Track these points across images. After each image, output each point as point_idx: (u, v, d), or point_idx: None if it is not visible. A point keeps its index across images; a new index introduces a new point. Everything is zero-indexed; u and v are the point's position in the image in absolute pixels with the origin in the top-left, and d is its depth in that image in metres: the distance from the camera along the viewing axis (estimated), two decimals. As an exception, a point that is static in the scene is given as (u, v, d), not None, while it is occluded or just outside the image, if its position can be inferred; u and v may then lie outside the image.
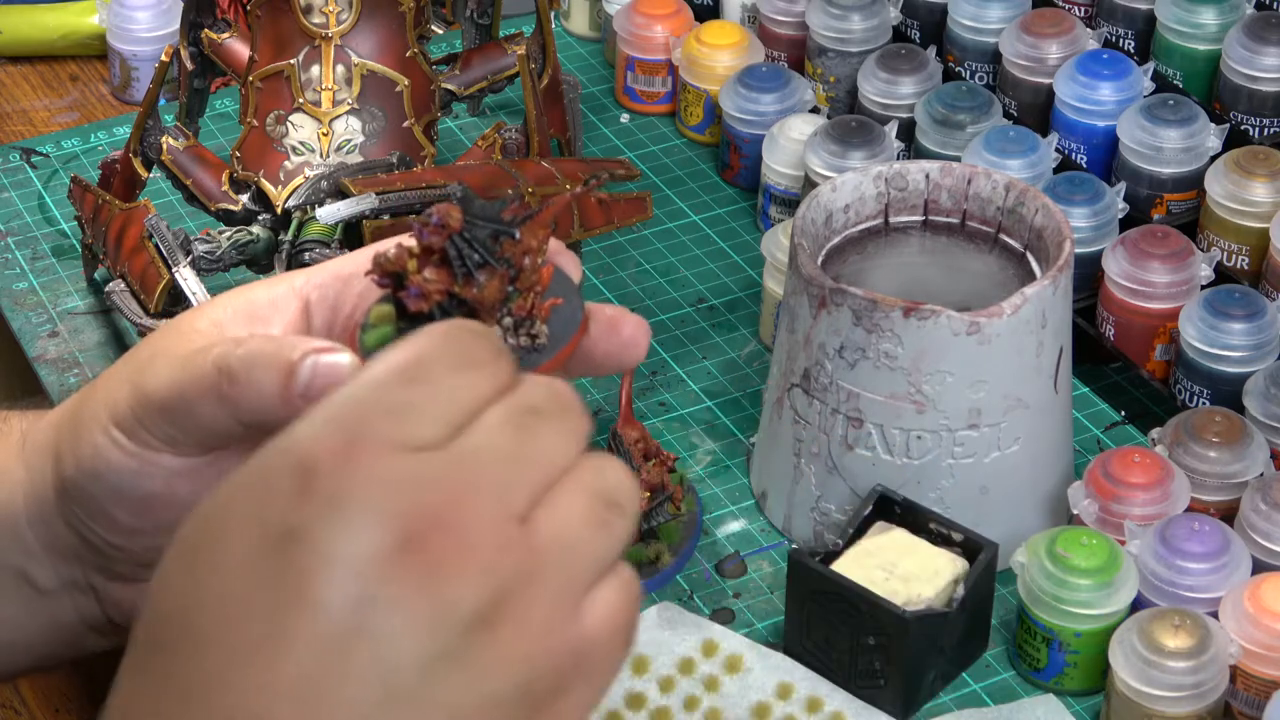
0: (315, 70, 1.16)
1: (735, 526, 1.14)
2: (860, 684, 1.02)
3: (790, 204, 1.32)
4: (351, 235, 1.12)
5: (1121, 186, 1.27)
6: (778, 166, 1.33)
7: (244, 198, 1.16)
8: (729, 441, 1.19)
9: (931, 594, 1.01)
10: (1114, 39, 1.41)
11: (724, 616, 1.08)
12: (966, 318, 1.03)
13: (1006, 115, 1.34)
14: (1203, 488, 1.08)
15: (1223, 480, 1.08)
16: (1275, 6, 1.42)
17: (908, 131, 1.34)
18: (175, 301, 1.13)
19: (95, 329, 1.27)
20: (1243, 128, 1.33)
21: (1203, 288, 1.19)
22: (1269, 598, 0.99)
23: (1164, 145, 1.28)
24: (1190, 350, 1.16)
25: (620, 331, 0.67)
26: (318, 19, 1.16)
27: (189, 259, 1.14)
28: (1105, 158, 1.32)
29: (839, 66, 1.41)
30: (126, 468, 0.71)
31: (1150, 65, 1.35)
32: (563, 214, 1.17)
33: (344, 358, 0.66)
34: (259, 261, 1.15)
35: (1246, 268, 1.25)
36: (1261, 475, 1.08)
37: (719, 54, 1.42)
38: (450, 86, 1.21)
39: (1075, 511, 1.07)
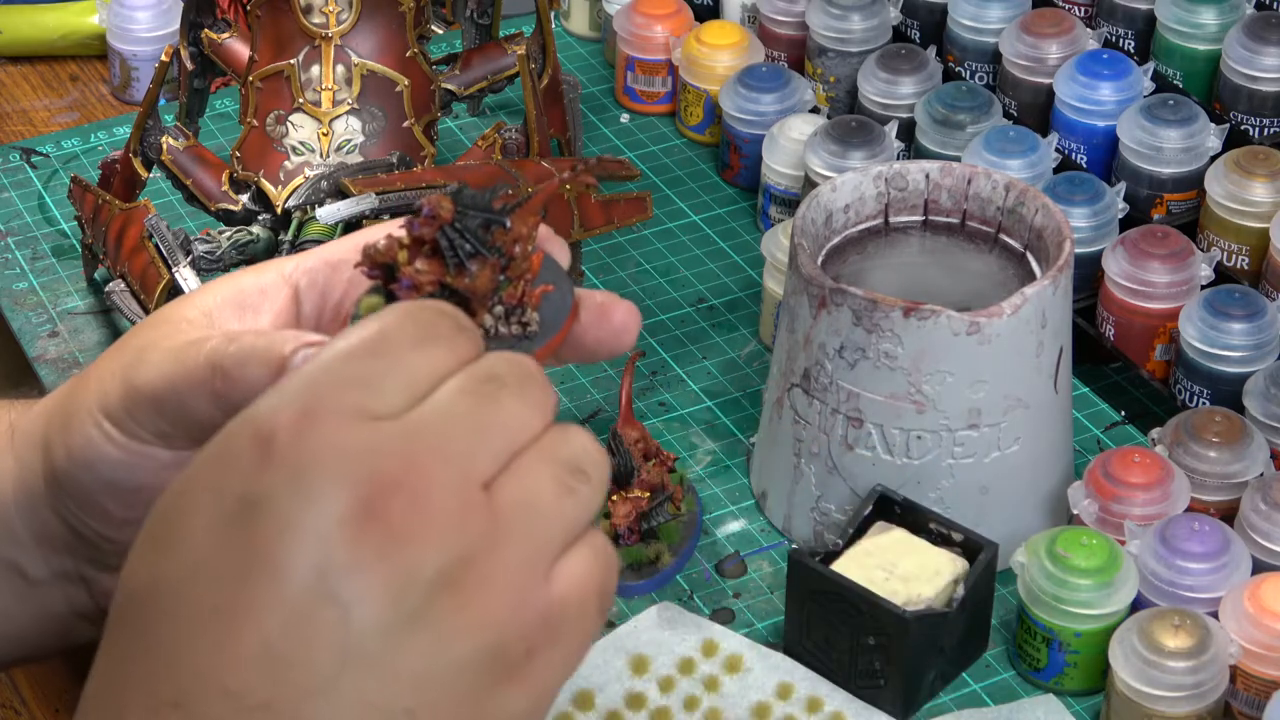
0: (315, 70, 1.16)
1: (735, 526, 1.14)
2: (860, 684, 1.02)
3: (790, 204, 1.32)
4: (351, 235, 1.12)
5: (1121, 186, 1.27)
6: (778, 166, 1.33)
7: (244, 198, 1.16)
8: (729, 441, 1.19)
9: (931, 594, 1.01)
10: (1114, 39, 1.41)
11: (724, 616, 1.08)
12: (966, 318, 1.03)
13: (1006, 115, 1.34)
14: (1203, 488, 1.08)
15: (1223, 480, 1.08)
16: (1275, 6, 1.42)
17: (908, 131, 1.34)
18: (175, 301, 1.13)
19: (95, 329, 1.27)
20: (1243, 128, 1.33)
21: (1203, 288, 1.19)
22: (1269, 598, 0.99)
23: (1164, 145, 1.28)
24: (1190, 350, 1.16)
25: (611, 318, 0.67)
26: (318, 19, 1.16)
27: (189, 259, 1.14)
28: (1105, 158, 1.32)
29: (839, 66, 1.41)
30: (117, 459, 0.71)
31: (1150, 65, 1.35)
32: (563, 214, 1.17)
33: None
34: (259, 261, 1.15)
35: (1246, 268, 1.25)
36: (1261, 475, 1.08)
37: (719, 54, 1.42)
38: (450, 86, 1.21)
39: (1075, 511, 1.07)
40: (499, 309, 0.63)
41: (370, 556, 0.54)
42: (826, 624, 1.02)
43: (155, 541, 0.57)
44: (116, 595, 0.57)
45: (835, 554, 1.03)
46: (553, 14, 1.30)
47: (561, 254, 0.67)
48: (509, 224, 0.62)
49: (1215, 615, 1.00)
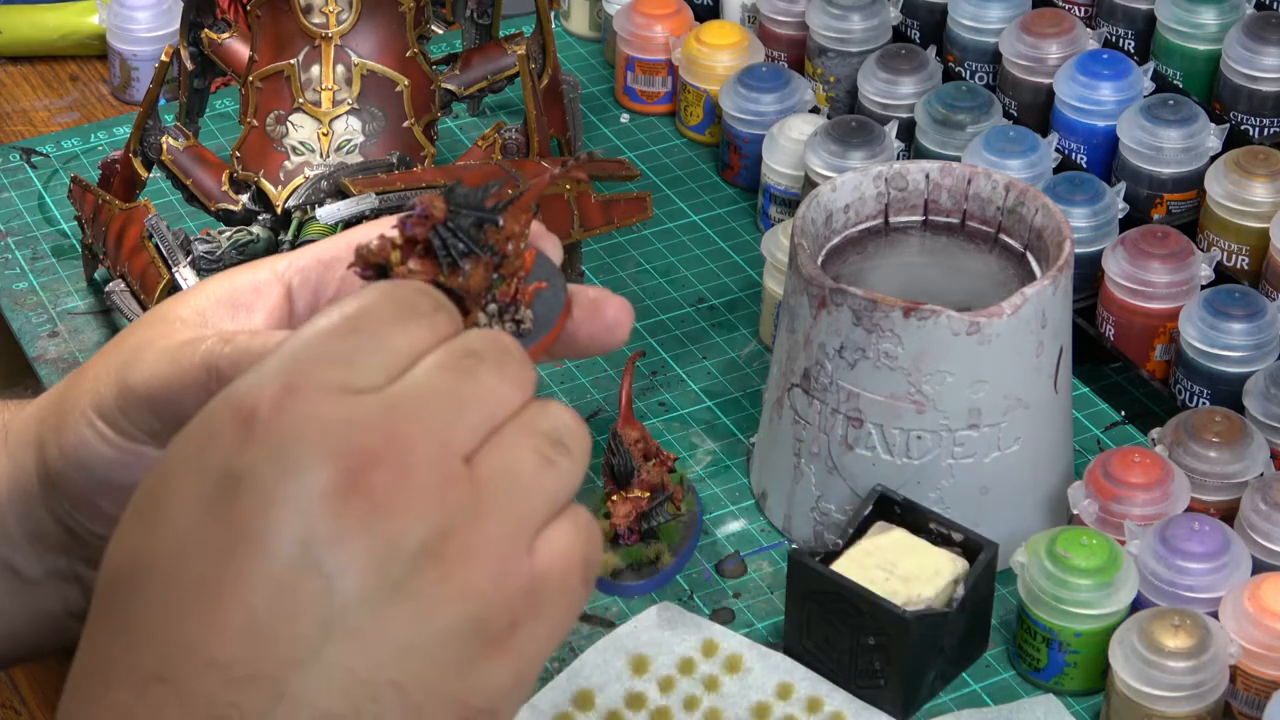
0: (315, 70, 1.16)
1: (735, 526, 1.14)
2: (860, 684, 1.02)
3: (790, 204, 1.32)
4: (351, 235, 1.12)
5: (1121, 186, 1.27)
6: (778, 166, 1.33)
7: (244, 198, 1.17)
8: (729, 441, 1.19)
9: (931, 594, 1.01)
10: (1114, 39, 1.41)
11: (724, 616, 1.08)
12: (966, 318, 1.03)
13: (1006, 115, 1.34)
14: (1203, 488, 1.08)
15: (1223, 480, 1.08)
16: (1275, 6, 1.42)
17: (908, 131, 1.34)
18: (175, 301, 1.13)
19: (95, 329, 1.27)
20: (1243, 128, 1.33)
21: (1203, 288, 1.19)
22: (1269, 598, 0.99)
23: (1164, 145, 1.28)
24: (1190, 350, 1.16)
25: (604, 313, 0.67)
26: (318, 19, 1.16)
27: (189, 259, 1.14)
28: (1105, 158, 1.32)
29: (839, 66, 1.41)
30: (111, 459, 0.71)
31: (1150, 65, 1.35)
32: (563, 214, 1.17)
33: None
34: (259, 261, 1.15)
35: (1246, 268, 1.25)
36: (1261, 475, 1.08)
37: (719, 54, 1.42)
38: (450, 86, 1.21)
39: (1075, 511, 1.07)
40: (492, 307, 0.63)
41: (353, 528, 0.54)
42: (826, 624, 1.02)
43: (139, 519, 0.57)
44: (101, 574, 0.58)
45: (835, 554, 1.03)
46: (553, 14, 1.30)
47: (554, 251, 0.67)
48: (501, 222, 0.62)
49: (1215, 615, 1.00)
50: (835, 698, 1.02)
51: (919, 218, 1.14)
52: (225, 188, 1.17)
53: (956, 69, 1.41)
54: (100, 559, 0.74)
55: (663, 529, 1.09)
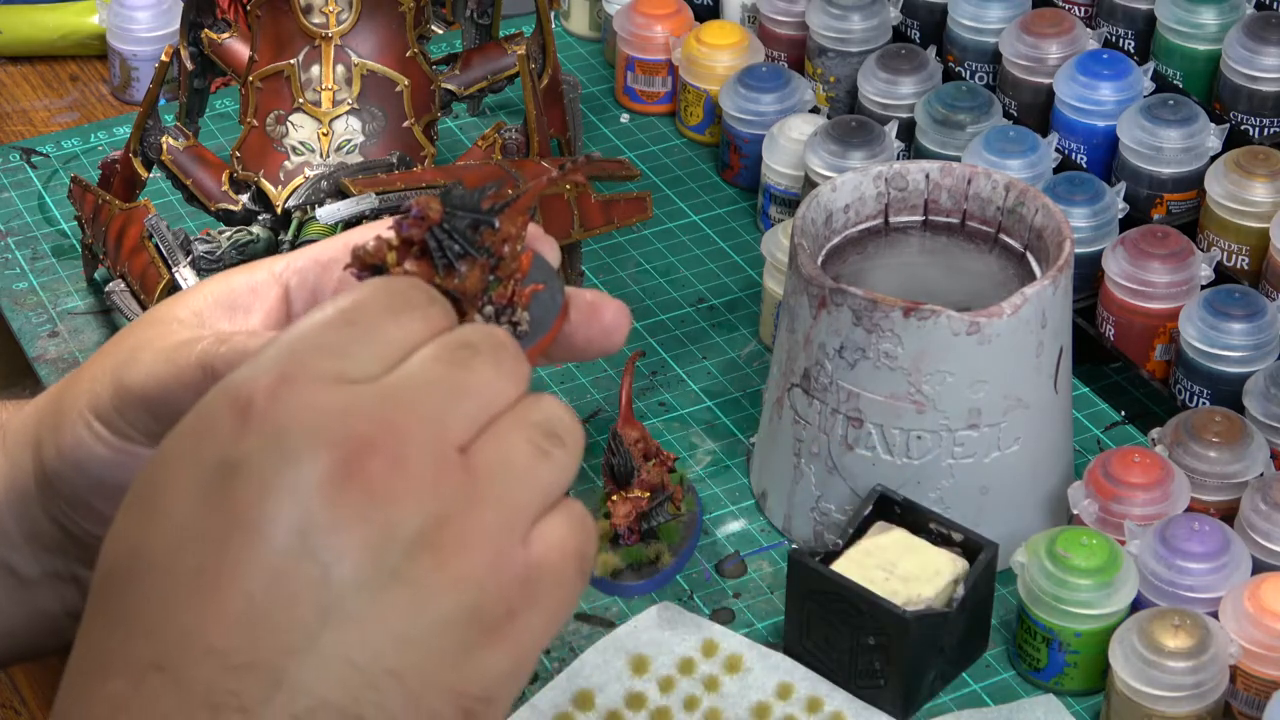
0: (315, 70, 1.16)
1: (735, 526, 1.14)
2: (860, 684, 1.02)
3: (790, 204, 1.32)
4: (351, 235, 1.12)
5: (1121, 186, 1.27)
6: (778, 166, 1.33)
7: (244, 198, 1.17)
8: (729, 441, 1.19)
9: (931, 594, 1.01)
10: (1114, 39, 1.41)
11: (724, 616, 1.08)
12: (966, 318, 1.03)
13: (1006, 115, 1.34)
14: (1203, 488, 1.08)
15: (1223, 480, 1.08)
16: (1275, 6, 1.42)
17: (908, 131, 1.34)
18: (175, 301, 1.13)
19: (95, 329, 1.27)
20: (1243, 128, 1.33)
21: (1203, 288, 1.19)
22: (1269, 598, 0.99)
23: (1164, 145, 1.28)
24: (1190, 350, 1.16)
25: (601, 317, 0.67)
26: (318, 19, 1.16)
27: (189, 259, 1.14)
28: (1105, 158, 1.32)
29: (839, 66, 1.41)
30: (107, 459, 0.71)
31: (1150, 65, 1.35)
32: (563, 214, 1.17)
33: None
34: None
35: (1246, 268, 1.25)
36: (1261, 475, 1.08)
37: (719, 54, 1.42)
38: (450, 86, 1.21)
39: (1075, 511, 1.07)
40: (489, 309, 0.63)
41: (349, 516, 0.55)
42: (826, 624, 1.02)
43: (136, 509, 0.57)
44: (98, 566, 0.58)
45: (835, 554, 1.03)
46: (553, 14, 1.30)
47: (551, 253, 0.67)
48: (498, 224, 0.62)
49: (1215, 615, 1.00)
50: (835, 698, 1.02)
51: (919, 218, 1.14)
52: (225, 188, 1.17)
53: (956, 69, 1.41)
54: (97, 559, 0.74)
55: (663, 529, 1.09)
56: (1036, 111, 1.36)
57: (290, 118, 1.16)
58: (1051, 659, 1.03)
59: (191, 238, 1.15)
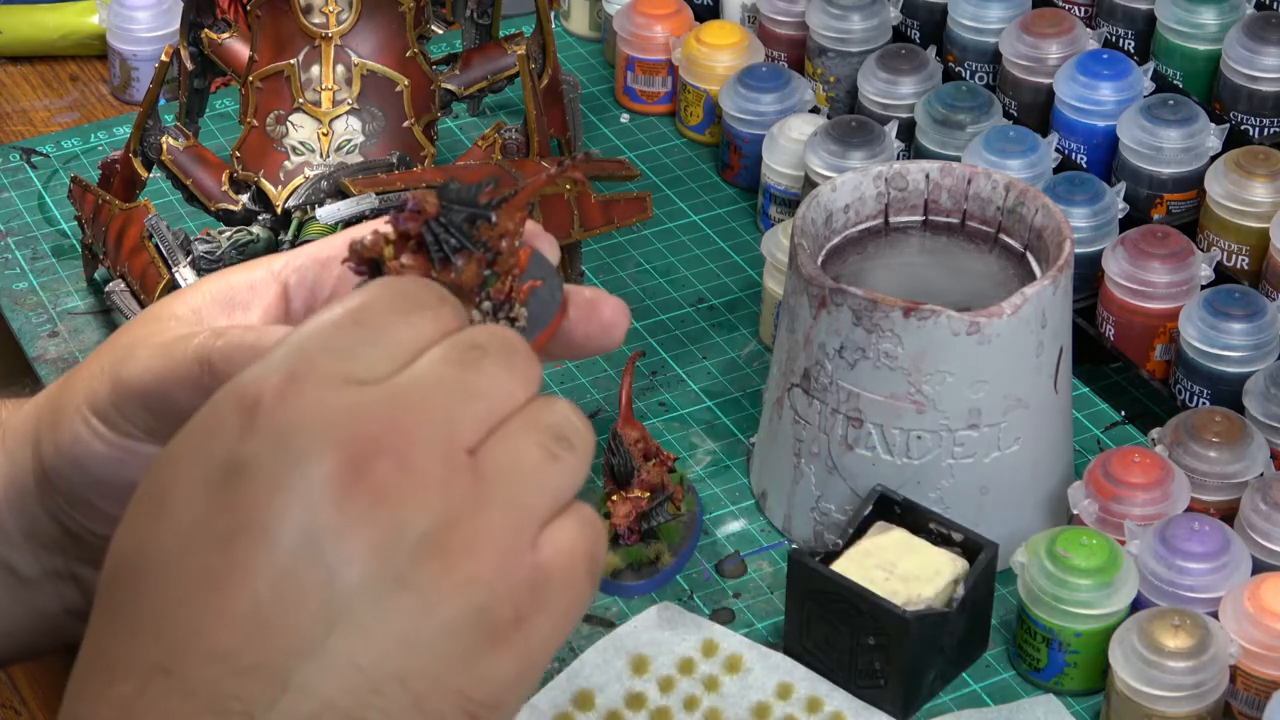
0: (315, 70, 1.16)
1: (735, 526, 1.14)
2: (860, 684, 1.02)
3: (790, 204, 1.32)
4: (351, 235, 1.12)
5: (1121, 186, 1.27)
6: (778, 166, 1.33)
7: (244, 198, 1.17)
8: (729, 441, 1.19)
9: (931, 594, 1.01)
10: (1114, 39, 1.41)
11: (724, 616, 1.08)
12: (966, 318, 1.03)
13: (1006, 115, 1.34)
14: (1203, 488, 1.08)
15: (1223, 480, 1.08)
16: (1275, 6, 1.42)
17: (908, 131, 1.34)
18: (175, 301, 1.13)
19: (95, 329, 1.27)
20: (1243, 128, 1.33)
21: (1203, 288, 1.19)
22: (1269, 598, 0.99)
23: (1164, 145, 1.28)
24: (1190, 350, 1.16)
25: (600, 313, 0.67)
26: (318, 19, 1.16)
27: (189, 259, 1.14)
28: (1105, 158, 1.32)
29: (839, 66, 1.41)
30: (105, 456, 0.71)
31: (1150, 65, 1.35)
32: (563, 214, 1.17)
33: None
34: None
35: (1246, 268, 1.25)
36: (1261, 475, 1.08)
37: (719, 54, 1.42)
38: (450, 86, 1.21)
39: (1075, 511, 1.07)
40: (486, 304, 0.63)
41: (356, 518, 0.54)
42: (826, 624, 1.02)
43: (143, 509, 0.57)
44: (105, 565, 0.57)
45: (835, 554, 1.03)
46: (553, 14, 1.30)
47: (550, 250, 0.67)
48: (495, 218, 0.62)
49: (1215, 615, 1.00)
50: (835, 698, 1.02)
51: (919, 218, 1.14)
52: (225, 188, 1.17)
53: (956, 69, 1.41)
54: (96, 557, 0.74)
55: (663, 529, 1.09)
56: (1036, 111, 1.36)
57: (290, 118, 1.16)
58: (1051, 659, 1.03)
59: (191, 238, 1.15)
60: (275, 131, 1.16)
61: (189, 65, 1.24)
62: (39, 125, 1.48)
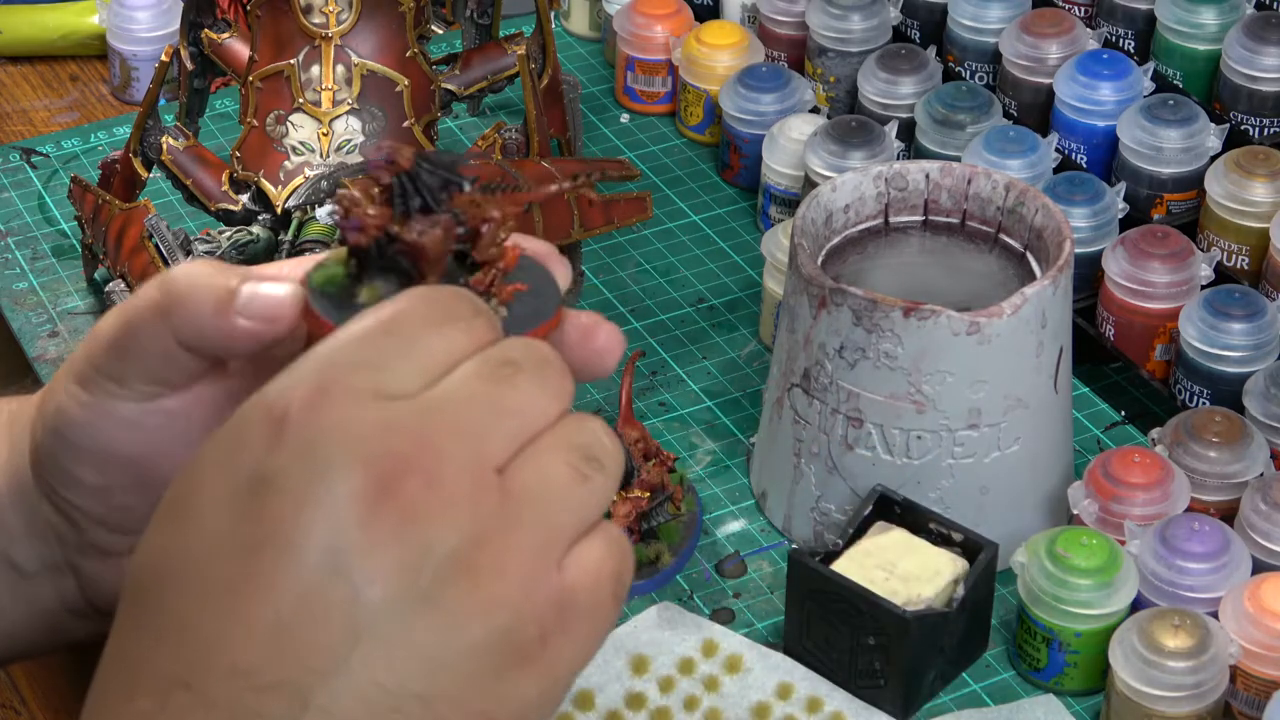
0: (315, 70, 1.16)
1: (735, 526, 1.14)
2: (860, 684, 1.02)
3: (790, 204, 1.32)
4: (351, 235, 1.12)
5: (1121, 186, 1.27)
6: (778, 166, 1.33)
7: (244, 198, 1.17)
8: (729, 441, 1.19)
9: (931, 594, 1.01)
10: (1114, 39, 1.41)
11: (724, 616, 1.08)
12: (966, 318, 1.03)
13: (1006, 115, 1.34)
14: (1203, 488, 1.08)
15: (1223, 480, 1.08)
16: (1275, 6, 1.42)
17: (908, 131, 1.34)
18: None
19: (95, 329, 1.27)
20: (1243, 128, 1.33)
21: (1203, 288, 1.19)
22: (1269, 598, 0.99)
23: (1164, 145, 1.28)
24: (1190, 350, 1.16)
25: (594, 339, 0.66)
26: (318, 19, 1.16)
27: (189, 259, 1.14)
28: (1105, 158, 1.32)
29: (839, 66, 1.41)
30: (81, 420, 0.70)
31: (1150, 65, 1.35)
32: (563, 214, 1.17)
33: (283, 288, 0.64)
34: (258, 261, 1.15)
35: (1246, 268, 1.25)
36: (1261, 475, 1.08)
37: (719, 54, 1.42)
38: (450, 86, 1.21)
39: (1075, 511, 1.07)
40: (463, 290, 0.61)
41: (383, 536, 0.54)
42: (826, 624, 1.02)
43: (168, 519, 0.57)
44: (128, 574, 0.57)
45: (835, 554, 1.03)
46: (553, 14, 1.30)
47: (561, 271, 0.66)
48: (467, 187, 0.61)
49: (1215, 615, 1.00)
50: (835, 698, 1.02)
51: (919, 218, 1.14)
52: (225, 188, 1.17)
53: (956, 69, 1.41)
54: (90, 540, 0.74)
55: (663, 529, 1.09)
56: (1036, 111, 1.36)
57: (290, 118, 1.16)
58: (1051, 659, 1.03)
59: (191, 238, 1.15)
60: (275, 131, 1.16)
61: (189, 65, 1.24)
62: (39, 125, 1.48)
